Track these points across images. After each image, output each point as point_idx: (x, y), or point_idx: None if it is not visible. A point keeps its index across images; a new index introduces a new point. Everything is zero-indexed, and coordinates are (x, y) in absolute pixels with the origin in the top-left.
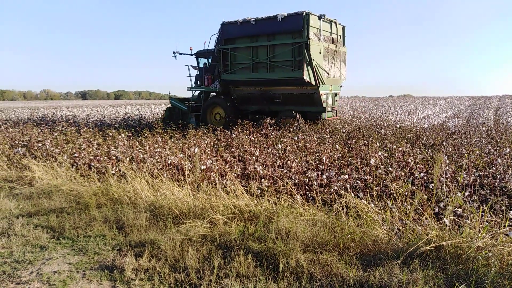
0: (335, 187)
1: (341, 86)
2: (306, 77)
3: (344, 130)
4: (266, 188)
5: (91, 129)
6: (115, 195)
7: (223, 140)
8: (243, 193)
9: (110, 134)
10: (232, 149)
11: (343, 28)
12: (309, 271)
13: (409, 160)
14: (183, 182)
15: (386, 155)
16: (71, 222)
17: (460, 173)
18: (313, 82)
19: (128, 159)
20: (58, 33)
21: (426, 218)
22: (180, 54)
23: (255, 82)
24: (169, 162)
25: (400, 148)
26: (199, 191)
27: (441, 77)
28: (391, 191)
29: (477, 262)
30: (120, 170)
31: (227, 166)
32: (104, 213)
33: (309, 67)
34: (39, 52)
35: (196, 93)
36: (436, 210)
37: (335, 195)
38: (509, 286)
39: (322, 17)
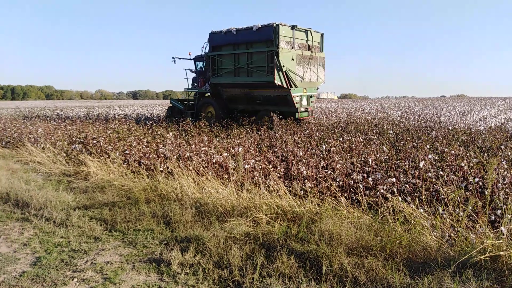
0: (382, 190)
1: (317, 89)
2: (277, 81)
3: (391, 132)
4: (309, 189)
5: (141, 127)
6: (163, 191)
7: (266, 140)
8: (286, 193)
9: (159, 132)
10: (276, 149)
11: (321, 35)
12: (353, 275)
13: (463, 164)
14: (227, 180)
15: (437, 158)
16: (122, 215)
17: None
18: (284, 86)
19: (175, 157)
20: (111, 35)
21: (480, 226)
22: (180, 59)
23: (238, 84)
24: (214, 161)
25: (453, 151)
26: (243, 190)
27: (499, 76)
28: (442, 196)
29: None
30: (168, 168)
31: (271, 166)
32: (152, 208)
33: (280, 72)
34: (94, 53)
35: (192, 93)
36: (492, 218)
37: (381, 199)
38: None
39: (295, 27)
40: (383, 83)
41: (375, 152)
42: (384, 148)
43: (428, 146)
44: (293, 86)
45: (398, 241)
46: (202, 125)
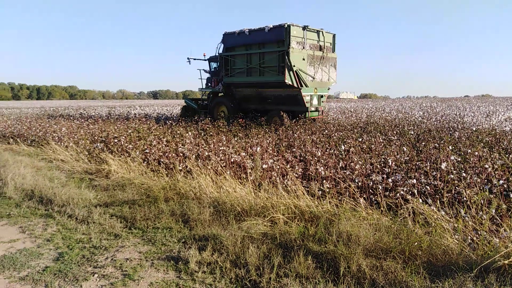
0: (402, 192)
1: (328, 89)
2: (287, 81)
3: (412, 132)
4: (327, 190)
5: (161, 127)
6: (182, 190)
7: (285, 140)
8: (304, 193)
9: (178, 132)
10: (294, 149)
11: (333, 36)
12: (371, 277)
13: (487, 166)
14: (245, 180)
15: (459, 159)
16: (141, 213)
17: None
18: (295, 85)
19: (194, 156)
20: (133, 36)
21: (505, 230)
22: (194, 59)
23: (250, 84)
24: (232, 160)
25: (476, 153)
26: (260, 190)
27: None
28: (465, 198)
29: None
30: (186, 167)
31: (288, 166)
32: (171, 207)
33: (290, 72)
34: (116, 54)
35: (206, 93)
36: None
37: (401, 200)
38: None
39: (306, 27)
40: (404, 83)
41: (395, 153)
42: (405, 149)
43: (450, 147)
44: (303, 85)
45: (418, 244)
46: (220, 125)
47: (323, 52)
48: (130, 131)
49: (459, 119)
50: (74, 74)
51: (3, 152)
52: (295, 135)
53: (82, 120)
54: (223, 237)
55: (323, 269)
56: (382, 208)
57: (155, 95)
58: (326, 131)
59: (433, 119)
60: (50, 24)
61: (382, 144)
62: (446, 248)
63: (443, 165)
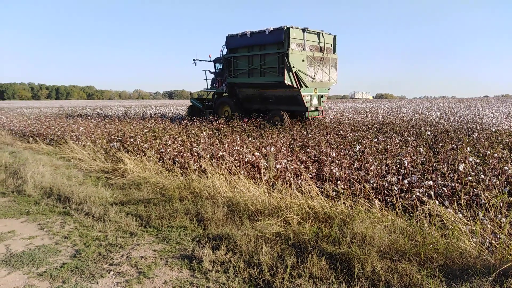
0: (418, 193)
1: (329, 89)
2: (287, 81)
3: (429, 133)
4: (342, 191)
5: (176, 127)
6: (196, 189)
7: (299, 140)
8: (318, 194)
9: (193, 132)
10: (308, 150)
11: (334, 37)
12: (386, 279)
13: (506, 168)
14: (259, 180)
15: (478, 161)
16: (156, 212)
17: None
18: (295, 86)
19: (208, 156)
20: (149, 37)
21: None
22: (200, 61)
23: (252, 85)
24: (246, 160)
25: (496, 154)
26: (274, 190)
27: None
28: (483, 200)
29: None
30: (201, 166)
31: (302, 166)
32: (185, 206)
33: (290, 72)
34: (133, 54)
35: (211, 93)
36: None
37: (417, 202)
38: None
39: (306, 29)
40: (421, 83)
41: (412, 154)
42: (421, 150)
43: (468, 148)
44: (303, 86)
45: (434, 246)
46: (235, 125)
47: (323, 53)
48: (145, 130)
49: (478, 120)
50: (91, 74)
51: (23, 151)
52: (309, 135)
53: (99, 119)
54: (237, 236)
55: (337, 270)
56: (397, 210)
57: (170, 95)
58: (341, 132)
59: (451, 120)
60: (69, 26)
61: (398, 145)
62: (463, 251)
63: (461, 167)
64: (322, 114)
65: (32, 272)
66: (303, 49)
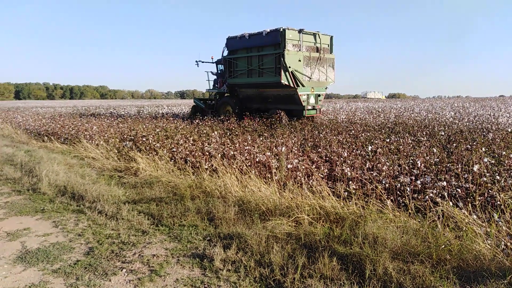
0: (431, 194)
1: (326, 88)
2: (283, 81)
3: (443, 133)
4: (353, 191)
5: (188, 126)
6: (207, 189)
7: (310, 140)
8: (329, 194)
9: (205, 131)
10: (319, 149)
11: (331, 38)
12: (398, 280)
13: None
14: (270, 179)
15: (493, 162)
16: (168, 211)
17: None
18: (291, 85)
19: (219, 155)
20: (161, 38)
21: None
22: (203, 62)
23: (251, 85)
24: (257, 160)
25: None
26: (285, 190)
27: None
28: (498, 202)
29: None
30: (212, 165)
31: (314, 166)
32: (197, 205)
33: (286, 72)
34: (145, 55)
35: (213, 93)
36: None
37: (430, 203)
38: None
39: (302, 30)
40: (435, 82)
41: (425, 154)
42: (435, 150)
43: (483, 148)
44: (300, 85)
45: (447, 248)
46: (246, 125)
47: (320, 53)
48: (158, 130)
49: (493, 120)
50: (105, 74)
51: (38, 150)
52: (320, 135)
53: (112, 119)
54: (248, 236)
55: (348, 271)
56: (410, 211)
57: (182, 94)
58: (353, 132)
59: (465, 120)
60: (84, 27)
61: (411, 145)
62: (478, 254)
63: (476, 168)
64: (320, 113)
65: (47, 269)
66: (300, 50)
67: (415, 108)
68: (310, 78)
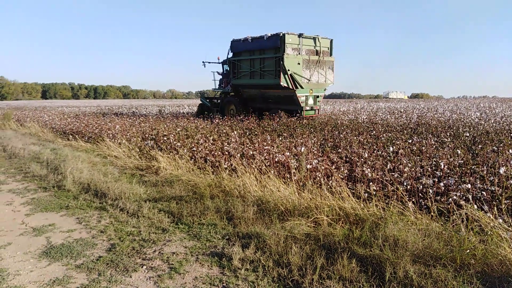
0: (454, 197)
1: (325, 89)
2: (283, 83)
3: (468, 134)
4: (374, 192)
5: (208, 126)
6: (227, 188)
7: (330, 140)
8: (349, 195)
9: (224, 131)
10: (339, 150)
11: (331, 41)
12: (419, 284)
13: None
14: (289, 180)
15: None
16: (188, 209)
17: None
18: (290, 87)
19: (239, 155)
20: (182, 39)
21: None
22: (209, 63)
23: (254, 86)
24: (276, 160)
25: None
26: (304, 190)
27: None
28: None
29: None
30: (231, 165)
31: (333, 166)
32: (216, 204)
33: (285, 75)
34: (167, 55)
35: (219, 93)
36: None
37: (453, 206)
38: None
39: (302, 35)
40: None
41: (448, 156)
42: (459, 152)
43: (511, 150)
44: (299, 87)
45: (471, 252)
46: (265, 125)
47: (319, 56)
48: (178, 129)
49: None
50: (128, 74)
51: (63, 148)
52: (341, 135)
53: (134, 118)
54: (266, 236)
55: (368, 273)
56: (432, 213)
57: (202, 94)
58: (374, 132)
59: (492, 121)
60: (107, 28)
61: (434, 146)
62: (503, 259)
63: (502, 170)
64: (318, 113)
65: (70, 264)
66: (299, 53)
67: (439, 108)
68: (309, 80)
